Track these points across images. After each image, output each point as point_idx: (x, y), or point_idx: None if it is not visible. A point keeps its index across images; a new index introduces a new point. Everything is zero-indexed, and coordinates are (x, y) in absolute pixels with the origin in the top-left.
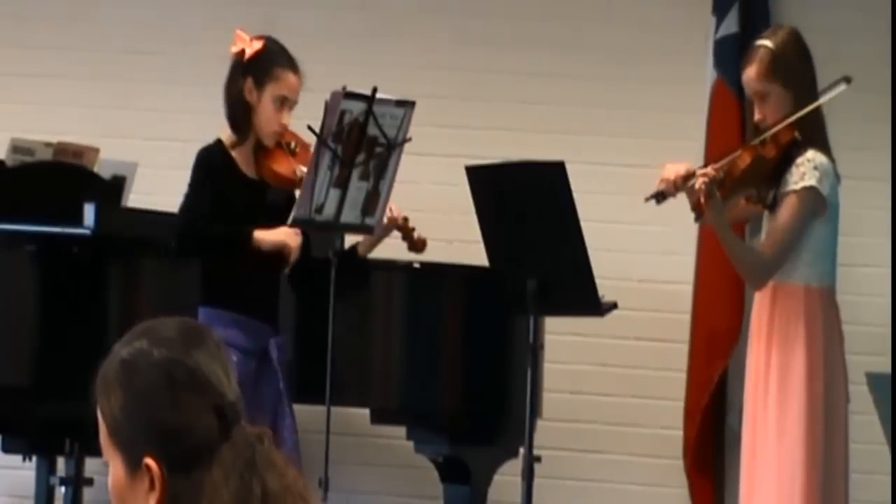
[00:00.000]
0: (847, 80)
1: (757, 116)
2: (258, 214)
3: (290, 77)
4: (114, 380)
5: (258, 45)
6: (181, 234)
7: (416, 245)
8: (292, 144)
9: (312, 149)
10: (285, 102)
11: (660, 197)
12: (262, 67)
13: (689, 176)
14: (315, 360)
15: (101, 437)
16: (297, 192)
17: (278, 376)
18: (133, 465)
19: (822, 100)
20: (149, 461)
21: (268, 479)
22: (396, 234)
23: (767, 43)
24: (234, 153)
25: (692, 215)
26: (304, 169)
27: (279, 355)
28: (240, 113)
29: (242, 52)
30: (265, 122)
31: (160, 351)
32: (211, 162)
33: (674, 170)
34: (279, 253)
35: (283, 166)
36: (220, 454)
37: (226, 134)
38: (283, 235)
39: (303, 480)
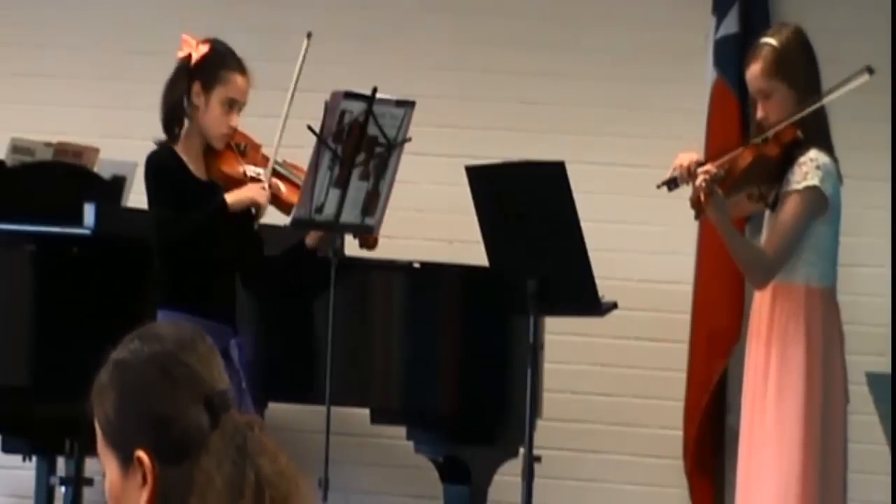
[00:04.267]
0: (870, 70)
1: (759, 114)
2: None
3: (238, 79)
4: (107, 383)
5: (205, 48)
6: (161, 225)
7: (368, 242)
8: (242, 146)
9: (263, 149)
10: (234, 105)
11: (672, 184)
12: (210, 71)
13: (701, 164)
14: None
15: (98, 444)
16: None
17: (240, 376)
18: (126, 463)
19: (843, 90)
20: (140, 454)
21: (261, 464)
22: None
23: (772, 41)
24: (183, 156)
25: (692, 213)
26: (255, 169)
27: (240, 355)
28: (177, 116)
29: (189, 56)
30: (214, 125)
31: (152, 347)
32: (164, 164)
33: (687, 157)
34: (249, 212)
35: (231, 167)
36: (210, 443)
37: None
38: (251, 192)
39: (294, 465)
